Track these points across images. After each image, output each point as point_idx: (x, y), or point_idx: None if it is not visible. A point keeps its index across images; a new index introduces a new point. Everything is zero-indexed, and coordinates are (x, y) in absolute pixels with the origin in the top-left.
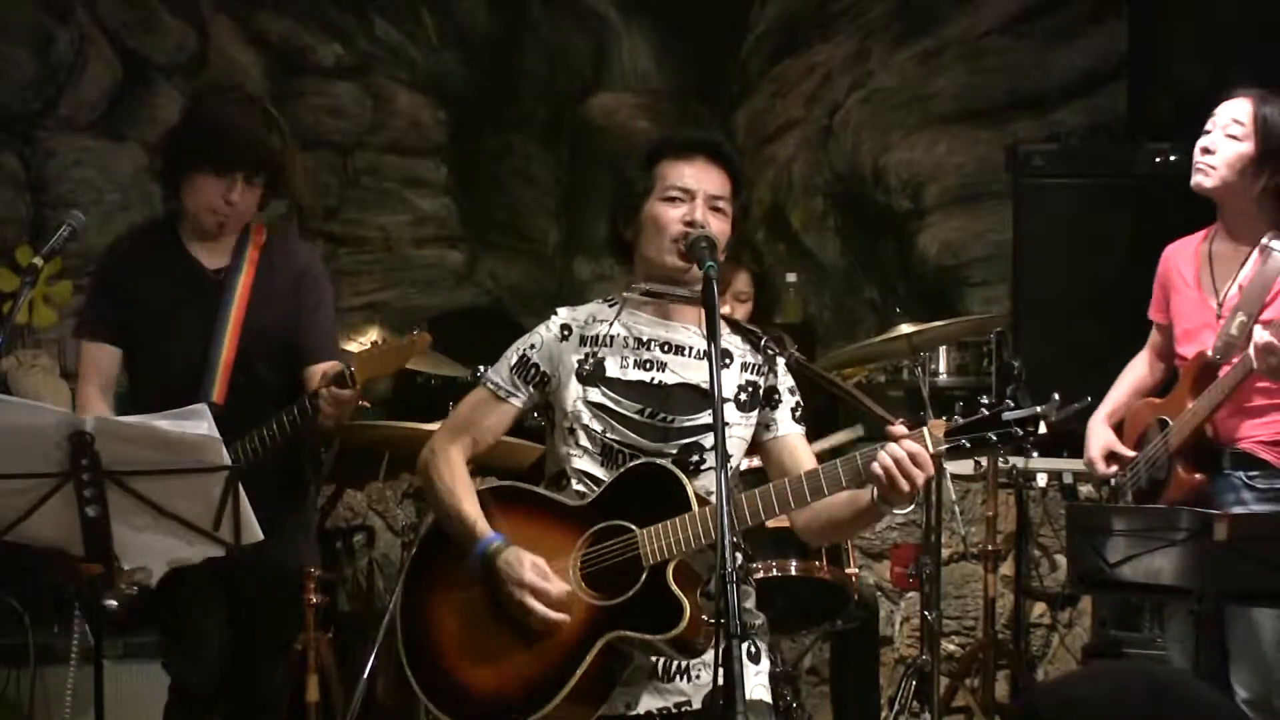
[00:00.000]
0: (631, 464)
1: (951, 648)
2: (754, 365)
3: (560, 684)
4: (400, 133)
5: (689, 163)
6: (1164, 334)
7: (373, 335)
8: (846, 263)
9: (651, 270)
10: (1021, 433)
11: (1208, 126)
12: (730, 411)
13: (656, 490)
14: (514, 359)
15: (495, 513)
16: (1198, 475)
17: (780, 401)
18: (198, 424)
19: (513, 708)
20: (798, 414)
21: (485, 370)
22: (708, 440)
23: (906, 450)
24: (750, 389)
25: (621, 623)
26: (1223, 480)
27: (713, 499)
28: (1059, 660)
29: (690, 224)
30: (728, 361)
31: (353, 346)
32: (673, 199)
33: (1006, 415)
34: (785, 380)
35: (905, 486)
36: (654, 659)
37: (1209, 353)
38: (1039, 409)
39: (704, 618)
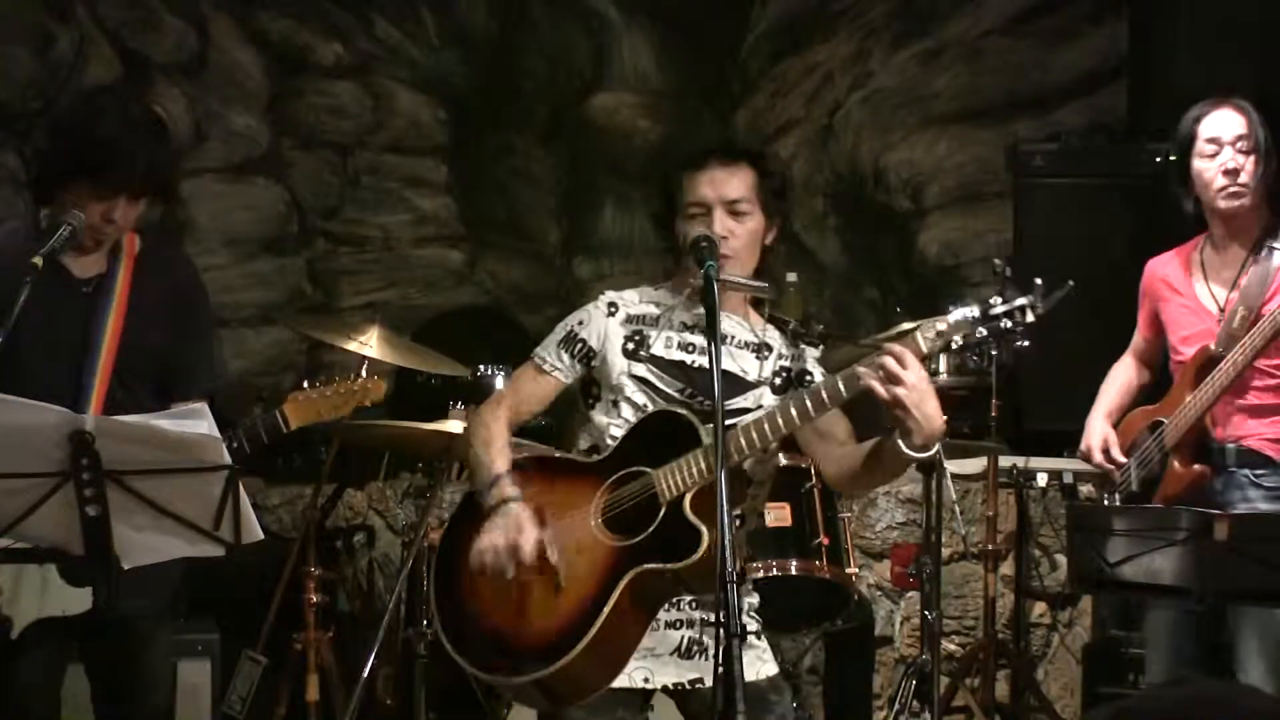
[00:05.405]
0: (643, 416)
1: (951, 648)
2: (788, 354)
3: (587, 627)
4: (400, 133)
5: (703, 173)
6: (1148, 345)
7: (373, 334)
8: (846, 262)
9: (691, 277)
10: (1010, 324)
11: (1208, 149)
12: (767, 395)
13: (668, 435)
14: (561, 334)
15: (521, 478)
16: (1197, 467)
17: (812, 380)
18: (198, 424)
19: (539, 654)
20: None
21: (485, 369)
22: (744, 421)
23: (891, 353)
24: (784, 374)
25: (643, 558)
26: (1228, 477)
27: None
28: (1059, 660)
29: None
30: (766, 354)
31: (352, 346)
32: (692, 215)
33: (994, 311)
34: (815, 360)
35: (901, 393)
36: (680, 637)
37: (1212, 346)
38: (1024, 299)
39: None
